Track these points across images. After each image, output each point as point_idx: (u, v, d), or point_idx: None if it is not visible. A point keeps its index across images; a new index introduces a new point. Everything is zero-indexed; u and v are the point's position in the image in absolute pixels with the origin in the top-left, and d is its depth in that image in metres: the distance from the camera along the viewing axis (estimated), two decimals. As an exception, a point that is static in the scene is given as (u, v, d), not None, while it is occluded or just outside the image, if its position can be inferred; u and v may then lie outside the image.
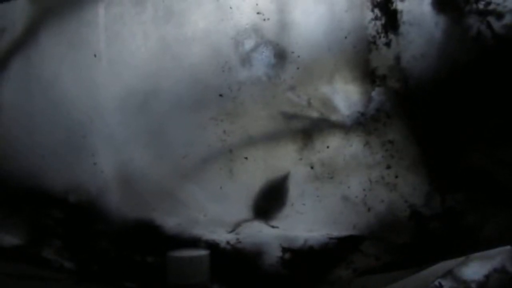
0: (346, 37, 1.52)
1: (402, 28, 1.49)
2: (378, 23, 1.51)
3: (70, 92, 1.65)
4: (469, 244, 1.53)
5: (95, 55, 1.63)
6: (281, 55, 1.55)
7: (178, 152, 1.61)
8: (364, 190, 1.56)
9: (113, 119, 1.63)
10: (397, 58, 1.49)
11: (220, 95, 1.56)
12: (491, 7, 1.39)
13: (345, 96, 1.54)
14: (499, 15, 1.39)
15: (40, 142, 1.67)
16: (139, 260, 1.70)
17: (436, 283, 1.52)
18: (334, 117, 1.55)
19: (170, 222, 1.66)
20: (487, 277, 1.51)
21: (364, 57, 1.52)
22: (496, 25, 1.40)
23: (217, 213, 1.64)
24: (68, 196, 1.69)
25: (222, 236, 1.64)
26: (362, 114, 1.54)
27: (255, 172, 1.59)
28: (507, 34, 1.39)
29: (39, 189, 1.70)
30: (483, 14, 1.40)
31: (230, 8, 1.58)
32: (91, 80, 1.64)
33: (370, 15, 1.51)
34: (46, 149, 1.67)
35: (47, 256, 1.77)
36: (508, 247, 1.51)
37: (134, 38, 1.62)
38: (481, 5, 1.41)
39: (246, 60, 1.56)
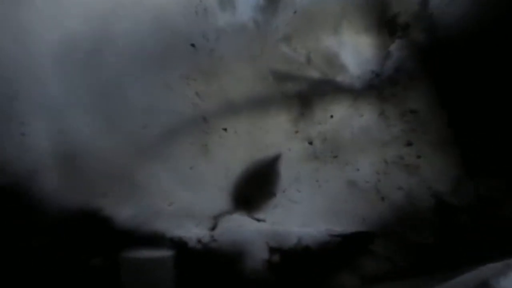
0: (358, -28, 1.38)
1: (432, -39, 1.35)
2: (401, -45, 1.36)
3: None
4: (509, 243, 1.40)
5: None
6: (273, -5, 1.40)
7: (135, 121, 1.42)
8: (377, 173, 1.42)
9: (49, 76, 1.41)
10: (424, 2, 1.33)
11: (192, 45, 1.37)
12: None
13: (355, 50, 1.39)
14: None
15: None
16: (83, 262, 1.50)
17: (466, 295, 1.35)
18: (340, 78, 1.40)
19: (124, 212, 1.48)
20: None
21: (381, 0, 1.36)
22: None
23: (186, 201, 1.48)
24: (-12, 177, 1.46)
25: (191, 232, 1.48)
26: (377, 74, 1.38)
27: (236, 148, 1.45)
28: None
29: None
30: None
31: None
32: (21, 24, 1.40)
33: None
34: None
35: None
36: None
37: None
38: None
39: (227, 0, 1.38)
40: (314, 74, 1.38)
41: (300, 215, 1.47)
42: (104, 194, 1.50)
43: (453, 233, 1.41)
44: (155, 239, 1.51)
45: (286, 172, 1.44)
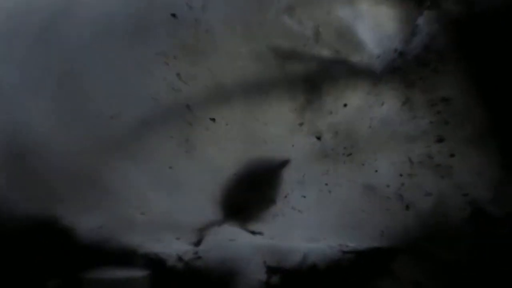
0: None
1: None
2: None
3: None
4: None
5: None
6: (274, -45, 1.27)
7: (101, 109, 1.27)
8: (400, 175, 1.26)
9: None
10: (458, -36, 1.21)
11: (173, 15, 1.23)
12: None
13: (374, 23, 1.25)
14: None
15: None
16: (38, 283, 1.32)
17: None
18: (356, 58, 1.26)
19: (88, 222, 1.33)
20: None
21: (407, -38, 1.25)
22: None
23: (164, 209, 1.34)
24: None
25: (171, 247, 1.35)
26: (401, 53, 1.23)
27: (227, 143, 1.31)
28: None
29: None
30: None
31: None
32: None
33: None
34: None
35: None
36: None
37: None
38: None
39: (217, -40, 1.26)
40: (324, 52, 1.25)
41: (305, 226, 1.34)
42: (63, 200, 1.36)
43: (493, 250, 1.24)
44: (126, 256, 1.38)
45: (288, 173, 1.31)
